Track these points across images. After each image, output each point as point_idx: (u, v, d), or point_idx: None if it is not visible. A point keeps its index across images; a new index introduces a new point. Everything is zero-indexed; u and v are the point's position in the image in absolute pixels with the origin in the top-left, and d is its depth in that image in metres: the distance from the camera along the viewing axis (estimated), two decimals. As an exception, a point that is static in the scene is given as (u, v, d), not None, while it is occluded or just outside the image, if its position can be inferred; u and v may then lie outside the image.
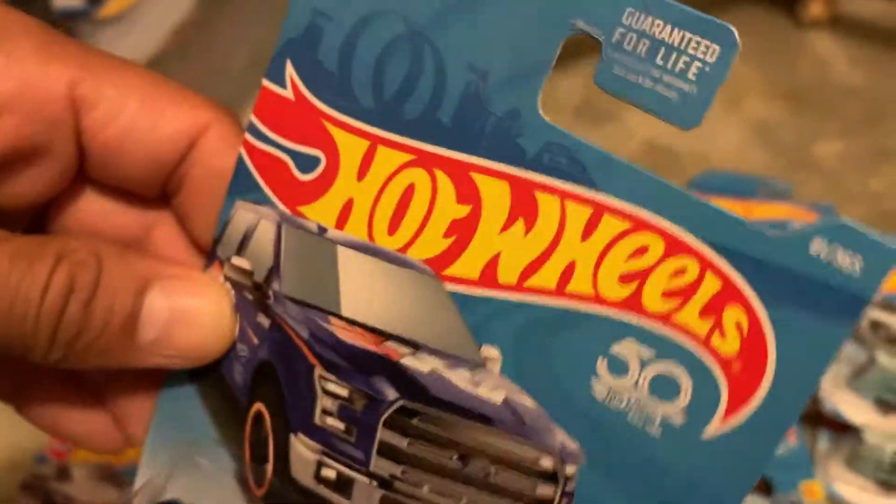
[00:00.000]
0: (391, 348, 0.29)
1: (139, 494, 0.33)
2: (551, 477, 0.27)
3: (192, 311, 0.30)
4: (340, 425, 0.29)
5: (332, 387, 0.29)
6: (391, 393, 0.28)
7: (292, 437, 0.30)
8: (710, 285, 0.23)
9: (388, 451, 0.28)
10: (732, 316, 0.23)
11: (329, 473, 0.29)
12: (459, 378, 0.27)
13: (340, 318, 0.30)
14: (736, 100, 1.10)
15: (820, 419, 0.69)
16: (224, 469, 0.33)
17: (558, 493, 0.27)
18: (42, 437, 0.69)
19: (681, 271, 0.24)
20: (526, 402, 0.26)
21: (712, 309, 0.23)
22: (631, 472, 0.25)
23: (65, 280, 0.28)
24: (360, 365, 0.29)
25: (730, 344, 0.23)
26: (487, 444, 0.27)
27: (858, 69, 1.16)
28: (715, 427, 0.24)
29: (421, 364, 0.28)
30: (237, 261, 0.32)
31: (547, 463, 0.27)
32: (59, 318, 0.28)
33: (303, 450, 0.30)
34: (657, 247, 0.24)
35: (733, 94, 1.11)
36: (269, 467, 0.31)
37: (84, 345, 0.29)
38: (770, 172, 0.98)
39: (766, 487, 0.66)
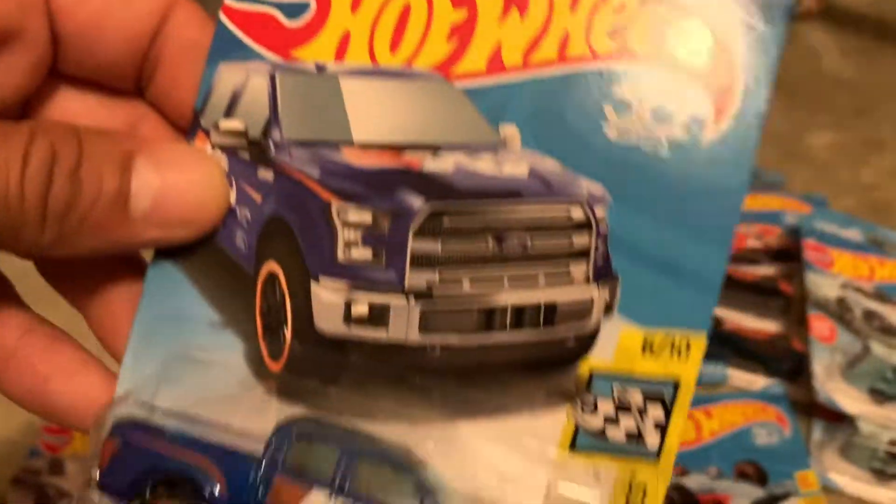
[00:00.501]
0: (411, 158, 0.29)
1: (111, 408, 0.31)
2: (584, 225, 0.29)
3: (182, 178, 0.30)
4: (367, 253, 0.29)
5: (352, 216, 0.29)
6: (417, 202, 0.28)
7: (314, 286, 0.29)
8: (678, 19, 0.27)
9: (422, 261, 0.28)
10: (702, 39, 0.27)
11: (360, 309, 0.29)
12: (483, 164, 0.29)
13: (353, 145, 0.30)
14: (728, 91, 1.10)
15: (815, 409, 0.69)
16: (228, 355, 0.31)
17: (593, 238, 0.29)
18: (34, 432, 0.69)
19: (654, 15, 0.27)
20: (548, 165, 0.28)
21: (685, 37, 0.27)
22: (652, 197, 0.27)
23: (45, 150, 0.27)
24: (380, 185, 0.29)
25: (703, 61, 0.27)
26: (519, 215, 0.29)
27: (849, 60, 1.16)
28: (710, 133, 0.27)
29: (443, 163, 0.29)
30: (227, 124, 0.31)
31: (577, 213, 0.29)
32: (46, 189, 0.27)
33: (328, 294, 0.29)
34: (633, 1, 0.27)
35: (725, 85, 1.11)
36: (287, 331, 0.30)
37: (77, 220, 0.28)
38: (763, 163, 0.98)
39: (761, 477, 0.66)
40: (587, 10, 0.27)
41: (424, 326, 0.29)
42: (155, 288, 0.31)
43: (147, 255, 0.33)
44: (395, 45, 0.28)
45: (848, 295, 0.75)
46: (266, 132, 0.31)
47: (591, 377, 0.28)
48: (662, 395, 0.28)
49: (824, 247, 0.80)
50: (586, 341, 0.29)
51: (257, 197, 0.31)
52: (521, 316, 0.29)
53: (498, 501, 0.27)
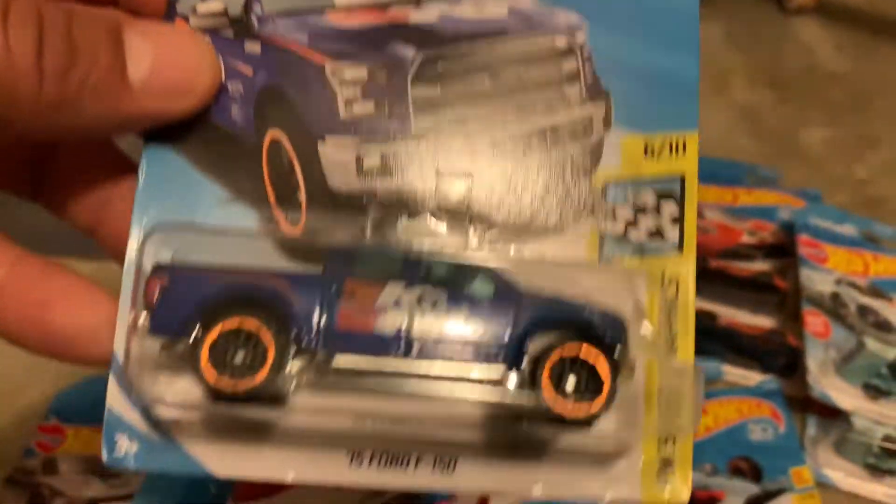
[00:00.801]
0: (396, 13, 0.30)
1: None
2: (569, 52, 0.31)
3: (174, 47, 0.30)
4: (370, 106, 0.30)
5: (348, 74, 0.30)
6: (409, 52, 0.30)
7: (321, 146, 0.30)
8: None
9: (424, 107, 0.30)
10: None
11: (372, 161, 0.30)
12: (465, 10, 0.31)
13: (335, 7, 0.31)
14: (723, 86, 1.10)
15: (809, 405, 0.70)
16: (240, 221, 0.31)
17: (579, 62, 0.31)
18: (28, 431, 0.69)
19: None
20: (525, 3, 0.31)
21: None
22: (624, 18, 0.31)
23: (28, 7, 0.27)
24: (370, 42, 0.30)
25: None
26: (507, 51, 0.31)
27: (844, 55, 1.16)
28: None
29: (428, 14, 0.30)
30: (205, 6, 0.31)
31: (560, 42, 0.31)
32: (36, 43, 0.27)
33: (336, 151, 0.30)
34: None
35: (720, 80, 1.11)
36: (302, 195, 0.31)
37: (78, 80, 0.28)
38: (757, 159, 0.98)
39: (755, 473, 0.66)
40: None
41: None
42: (153, 173, 0.31)
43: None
44: None
45: (842, 290, 0.75)
46: (247, 8, 0.32)
47: (605, 188, 0.31)
48: (672, 190, 0.31)
49: (818, 242, 0.80)
50: (593, 155, 0.31)
51: (247, 70, 0.31)
52: (529, 143, 0.31)
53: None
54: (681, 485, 0.32)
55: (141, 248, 0.31)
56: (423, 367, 0.29)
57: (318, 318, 0.29)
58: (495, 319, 0.30)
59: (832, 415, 0.68)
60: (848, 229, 0.84)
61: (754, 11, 1.25)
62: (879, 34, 1.19)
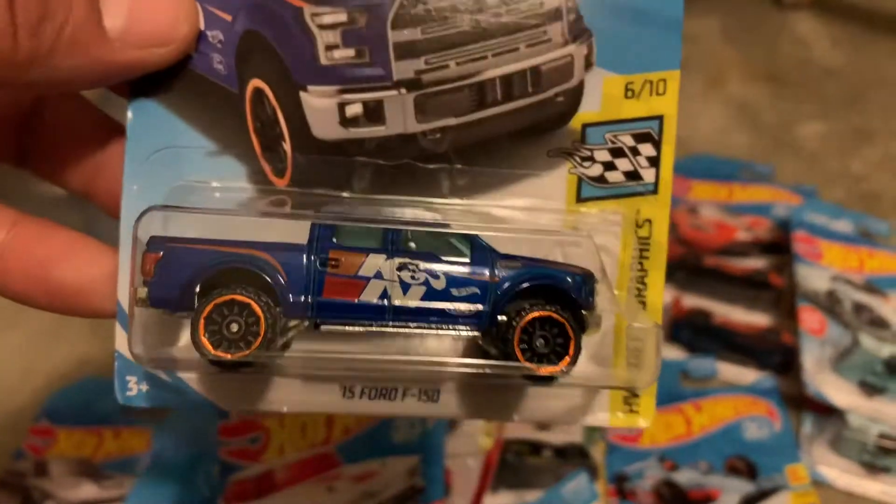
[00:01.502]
0: None
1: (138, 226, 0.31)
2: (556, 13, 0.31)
3: None
4: (350, 52, 0.30)
5: (327, 18, 0.30)
6: None
7: (303, 95, 0.30)
8: None
9: (405, 52, 0.30)
10: None
11: (355, 109, 0.30)
12: None
13: None
14: (718, 81, 1.09)
15: (805, 402, 0.69)
16: (232, 181, 0.32)
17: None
18: (18, 434, 0.68)
19: None
20: None
21: None
22: None
23: None
24: None
25: None
26: None
27: (839, 50, 1.15)
28: None
29: None
30: None
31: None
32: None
33: (319, 100, 0.30)
34: None
35: (715, 75, 1.10)
36: (286, 144, 0.31)
37: (53, 31, 0.28)
38: (752, 154, 0.98)
39: (751, 472, 0.66)
40: None
41: (420, 113, 0.30)
42: (140, 127, 0.32)
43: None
44: None
45: (838, 287, 0.75)
46: None
47: (584, 130, 0.31)
48: (650, 131, 0.32)
49: (814, 238, 0.80)
50: (574, 97, 0.31)
51: (227, 16, 0.31)
52: (510, 85, 0.31)
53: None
54: (645, 411, 0.34)
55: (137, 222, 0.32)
56: (404, 331, 0.31)
57: (305, 289, 0.31)
58: (471, 285, 0.31)
59: (828, 412, 0.68)
60: (843, 225, 0.84)
61: (751, 7, 1.24)
62: (874, 29, 1.19)
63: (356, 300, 0.31)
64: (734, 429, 0.69)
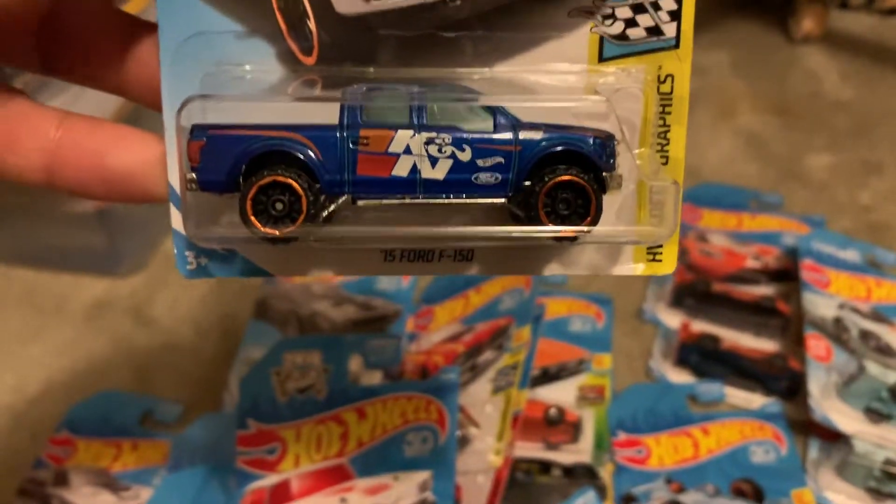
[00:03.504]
0: None
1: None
2: None
3: None
4: None
5: None
6: None
7: None
8: None
9: None
10: None
11: None
12: None
13: None
14: (728, 113, 1.11)
15: (811, 428, 0.70)
16: (263, 62, 0.34)
17: None
18: (39, 443, 0.70)
19: None
20: None
21: None
22: None
23: None
24: None
25: None
26: None
27: (848, 84, 1.17)
28: None
29: None
30: None
31: None
32: None
33: None
34: None
35: (726, 106, 1.12)
36: (311, 22, 0.33)
37: None
38: (761, 184, 0.99)
39: (757, 495, 0.67)
40: None
41: None
42: (169, 13, 0.34)
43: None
44: None
45: (844, 315, 0.76)
46: None
47: None
48: None
49: (822, 267, 0.81)
50: None
51: None
52: None
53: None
54: (668, 260, 0.36)
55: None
56: (436, 202, 0.34)
57: (340, 167, 0.33)
58: (496, 155, 0.33)
59: (834, 438, 0.69)
60: (851, 255, 0.85)
61: (761, 40, 1.27)
62: (884, 63, 1.21)
63: (388, 175, 0.33)
64: (741, 452, 0.69)
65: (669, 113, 0.34)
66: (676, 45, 0.33)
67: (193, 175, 0.33)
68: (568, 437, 0.70)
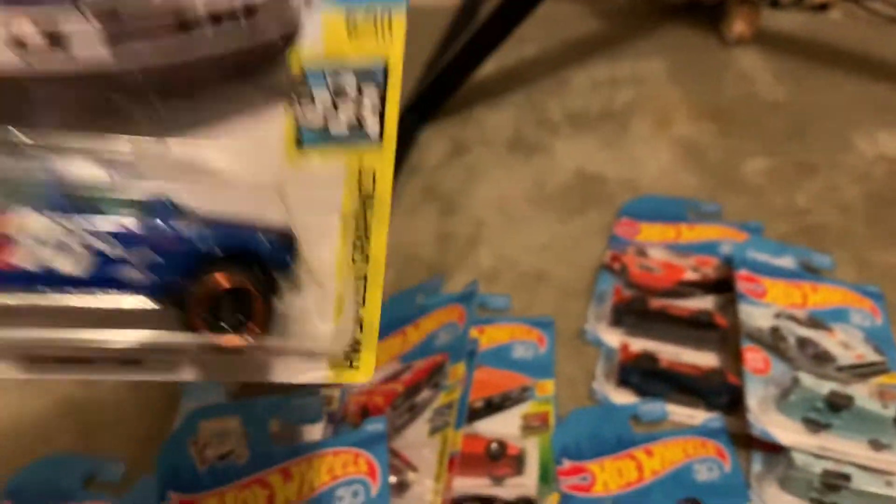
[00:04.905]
0: None
1: None
2: None
3: None
4: None
5: None
6: None
7: None
8: None
9: None
10: None
11: (31, 35, 0.26)
12: None
13: None
14: (664, 123, 1.12)
15: (753, 441, 0.70)
16: None
17: None
18: None
19: None
20: None
21: None
22: None
23: None
24: None
25: None
26: None
27: (782, 83, 1.18)
28: None
29: None
30: None
31: None
32: None
33: None
34: None
35: (663, 116, 1.13)
36: None
37: None
38: (700, 193, 1.00)
39: (702, 514, 0.67)
40: None
41: (112, 41, 0.26)
42: None
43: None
44: None
45: (781, 324, 0.77)
46: None
47: (303, 71, 0.29)
48: (375, 76, 0.29)
49: (757, 277, 0.82)
50: (289, 34, 0.28)
51: None
52: (217, 14, 0.28)
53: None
54: (365, 367, 0.32)
55: None
56: (76, 301, 0.28)
57: None
58: (147, 248, 0.28)
59: (776, 450, 0.69)
60: (786, 261, 0.86)
61: (695, 45, 1.28)
62: (815, 59, 1.22)
63: (17, 267, 0.27)
64: (684, 471, 0.70)
65: (370, 209, 0.31)
66: (380, 142, 0.30)
67: None
68: (511, 469, 0.69)
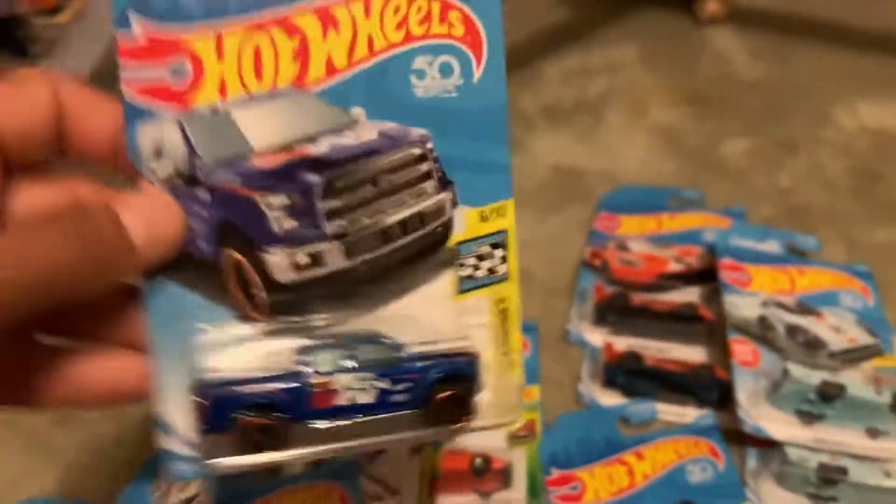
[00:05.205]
0: (301, 149, 0.43)
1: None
2: (423, 157, 0.44)
3: (157, 213, 0.40)
4: (294, 223, 0.42)
5: (273, 201, 0.41)
6: (315, 178, 0.42)
7: (265, 256, 0.41)
8: (436, 6, 0.42)
9: (332, 215, 0.42)
10: (454, 16, 0.42)
11: (302, 258, 0.42)
12: (347, 138, 0.43)
13: (255, 152, 0.42)
14: (640, 110, 1.09)
15: (746, 437, 0.68)
16: (226, 322, 0.42)
17: (431, 164, 0.44)
18: None
19: (420, 7, 0.42)
20: (389, 126, 0.43)
21: (444, 17, 0.42)
22: (455, 124, 0.43)
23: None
24: (285, 175, 0.42)
25: (460, 30, 0.42)
26: (382, 165, 0.43)
27: (759, 62, 1.16)
28: (476, 76, 0.42)
29: (322, 146, 0.43)
30: (161, 169, 0.41)
31: (417, 151, 0.43)
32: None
33: (276, 258, 0.42)
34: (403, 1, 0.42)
35: (637, 104, 1.10)
36: (262, 292, 0.42)
37: (107, 254, 0.37)
38: (680, 180, 0.97)
39: (698, 517, 0.64)
40: (377, 14, 0.42)
41: (348, 254, 0.43)
42: (155, 298, 0.41)
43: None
44: (258, 75, 0.41)
45: (769, 312, 0.74)
46: (191, 164, 0.42)
47: (458, 247, 0.44)
48: (500, 241, 0.45)
49: (741, 265, 0.79)
50: (447, 227, 0.45)
51: (203, 211, 0.42)
52: (405, 226, 0.44)
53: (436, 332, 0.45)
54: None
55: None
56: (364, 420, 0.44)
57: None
58: (405, 381, 0.44)
59: (771, 445, 0.67)
60: (771, 246, 0.83)
61: (667, 27, 1.25)
62: (791, 35, 1.19)
63: (334, 405, 0.42)
64: (677, 473, 0.67)
65: (507, 320, 0.45)
66: (508, 278, 0.45)
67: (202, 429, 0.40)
68: (498, 484, 0.67)
